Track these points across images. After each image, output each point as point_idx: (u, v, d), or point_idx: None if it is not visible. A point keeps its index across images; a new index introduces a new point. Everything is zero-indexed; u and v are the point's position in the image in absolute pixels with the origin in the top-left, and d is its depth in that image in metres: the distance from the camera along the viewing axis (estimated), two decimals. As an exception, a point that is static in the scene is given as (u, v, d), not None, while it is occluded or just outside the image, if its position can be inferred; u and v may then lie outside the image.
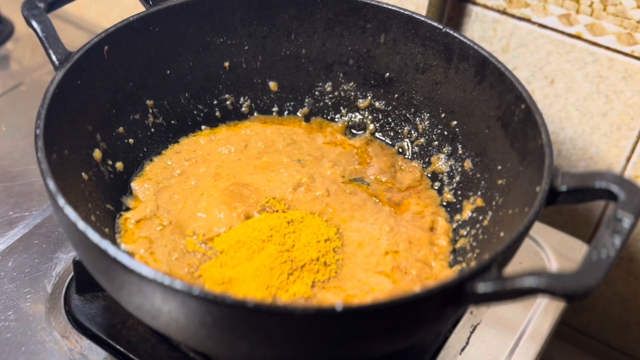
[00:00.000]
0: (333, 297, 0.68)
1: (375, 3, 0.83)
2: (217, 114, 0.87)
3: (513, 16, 0.89)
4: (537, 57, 0.89)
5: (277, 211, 0.76)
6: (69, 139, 0.70)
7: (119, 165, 0.78)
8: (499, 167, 0.74)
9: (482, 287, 0.53)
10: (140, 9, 0.80)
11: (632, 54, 0.84)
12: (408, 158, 0.86)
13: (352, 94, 0.89)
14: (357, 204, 0.78)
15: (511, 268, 0.59)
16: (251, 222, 0.74)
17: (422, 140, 0.85)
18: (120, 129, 0.79)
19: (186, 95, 0.85)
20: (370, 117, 0.89)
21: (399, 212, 0.79)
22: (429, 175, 0.84)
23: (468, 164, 0.80)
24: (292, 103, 0.90)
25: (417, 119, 0.85)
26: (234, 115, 0.88)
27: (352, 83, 0.88)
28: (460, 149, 0.81)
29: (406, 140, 0.87)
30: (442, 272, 0.72)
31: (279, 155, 0.83)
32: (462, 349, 0.74)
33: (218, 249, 0.71)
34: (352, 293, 0.68)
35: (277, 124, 0.89)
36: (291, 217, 0.74)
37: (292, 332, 0.54)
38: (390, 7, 0.82)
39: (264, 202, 0.77)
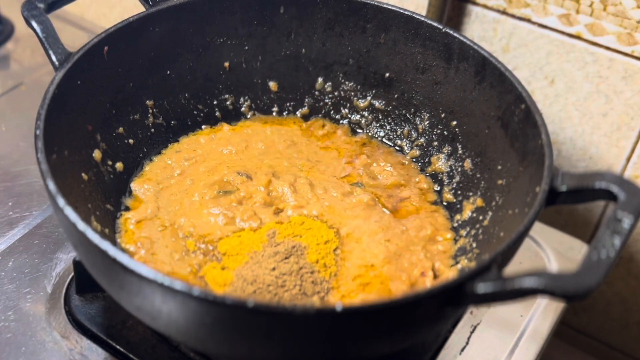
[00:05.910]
0: (333, 299, 0.68)
1: (375, 3, 0.83)
2: (217, 114, 0.87)
3: (513, 16, 0.89)
4: (537, 57, 0.89)
5: (277, 213, 0.76)
6: (69, 139, 0.70)
7: (119, 165, 0.78)
8: (499, 167, 0.74)
9: (482, 287, 0.53)
10: (140, 9, 0.80)
11: (632, 54, 0.84)
12: (408, 158, 0.86)
13: (352, 94, 0.89)
14: (356, 205, 0.78)
15: (511, 268, 0.59)
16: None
17: (422, 140, 0.85)
18: (120, 129, 0.79)
19: (186, 95, 0.85)
20: (370, 117, 0.89)
21: (397, 212, 0.79)
22: (429, 175, 0.84)
23: (468, 164, 0.80)
24: (292, 103, 0.90)
25: (417, 119, 0.85)
26: (234, 115, 0.88)
27: (352, 83, 0.88)
28: (460, 149, 0.81)
29: (406, 140, 0.87)
30: (442, 272, 0.72)
31: (280, 158, 0.83)
32: (462, 349, 0.74)
33: (221, 250, 0.71)
34: (351, 294, 0.68)
35: (277, 124, 0.88)
36: (293, 220, 0.74)
37: (292, 332, 0.54)
38: (390, 7, 0.82)
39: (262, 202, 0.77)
